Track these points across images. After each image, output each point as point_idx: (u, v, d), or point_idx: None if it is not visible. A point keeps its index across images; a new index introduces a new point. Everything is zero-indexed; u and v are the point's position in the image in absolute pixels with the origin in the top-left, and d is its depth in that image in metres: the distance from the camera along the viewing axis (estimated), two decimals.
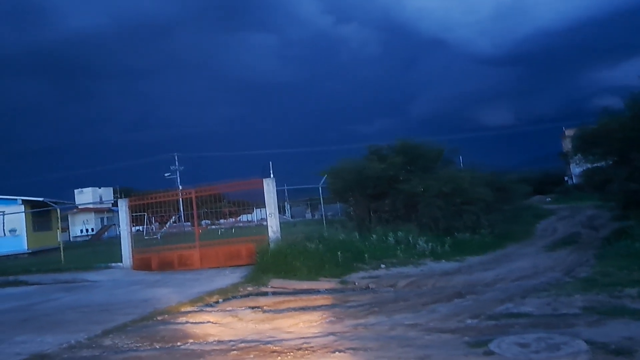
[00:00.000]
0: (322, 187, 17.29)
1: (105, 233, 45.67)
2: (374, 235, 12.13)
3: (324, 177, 16.23)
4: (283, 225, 13.98)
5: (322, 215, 18.65)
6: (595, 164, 14.36)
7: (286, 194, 33.97)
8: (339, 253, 10.66)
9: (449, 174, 13.60)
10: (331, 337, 5.42)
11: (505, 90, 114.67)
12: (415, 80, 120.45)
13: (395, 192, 13.55)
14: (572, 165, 40.56)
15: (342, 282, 9.46)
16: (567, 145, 40.62)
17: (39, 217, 28.06)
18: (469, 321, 5.75)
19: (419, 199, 13.17)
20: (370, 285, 9.04)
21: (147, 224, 36.35)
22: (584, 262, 9.83)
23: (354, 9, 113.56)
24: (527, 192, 19.45)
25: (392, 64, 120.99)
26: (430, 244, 11.75)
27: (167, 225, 34.19)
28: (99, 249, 23.92)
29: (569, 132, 39.95)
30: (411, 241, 11.81)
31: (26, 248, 26.10)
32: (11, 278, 13.90)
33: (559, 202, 33.35)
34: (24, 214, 26.36)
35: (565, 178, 45.17)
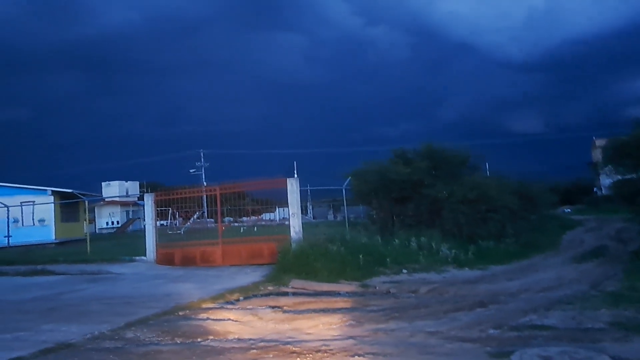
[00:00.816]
0: (345, 189, 17.24)
1: (130, 226, 46.47)
2: (397, 240, 12.03)
3: (348, 179, 16.18)
4: (305, 225, 13.99)
5: (344, 217, 18.60)
6: (626, 176, 13.96)
7: (309, 194, 34.02)
8: (360, 256, 10.61)
9: (475, 180, 13.41)
10: (351, 341, 5.40)
11: (534, 97, 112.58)
12: (443, 84, 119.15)
13: (419, 196, 13.42)
14: (601, 176, 39.69)
15: (363, 285, 9.41)
16: (597, 155, 39.78)
17: (67, 208, 28.71)
18: (491, 331, 5.66)
19: (443, 205, 13.02)
20: (392, 290, 8.97)
21: (171, 219, 36.88)
22: (611, 276, 9.58)
23: (384, 11, 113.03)
24: (554, 201, 19.08)
25: (420, 67, 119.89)
26: (453, 250, 11.60)
27: (190, 221, 34.60)
28: (124, 242, 24.35)
29: (599, 142, 39.01)
30: (434, 247, 11.69)
31: (54, 238, 26.70)
32: (39, 267, 14.24)
33: (586, 213, 32.61)
34: (53, 204, 26.98)
35: (594, 189, 44.15)
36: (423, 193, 13.29)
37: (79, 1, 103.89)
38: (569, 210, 34.25)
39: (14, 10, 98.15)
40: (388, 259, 10.95)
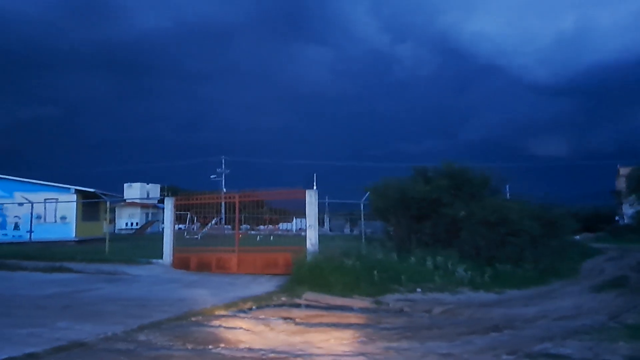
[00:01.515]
0: (364, 204, 17.19)
1: (149, 228, 46.98)
2: (413, 258, 11.93)
3: (367, 194, 16.14)
4: (321, 238, 13.98)
5: (361, 232, 18.53)
6: None
7: (327, 207, 34.00)
8: (375, 272, 10.55)
9: (496, 202, 13.24)
10: (362, 358, 5.36)
11: (560, 122, 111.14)
12: (467, 104, 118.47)
13: (438, 215, 13.30)
14: (624, 205, 38.85)
15: (377, 302, 9.34)
16: (621, 183, 39.06)
17: (89, 207, 29.18)
18: (505, 357, 5.56)
19: (461, 225, 12.88)
20: (405, 309, 8.89)
21: (189, 223, 37.19)
22: (631, 308, 9.32)
23: (412, 29, 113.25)
24: (575, 228, 18.71)
25: (446, 86, 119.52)
26: (469, 272, 11.44)
27: (208, 226, 34.86)
28: (141, 244, 24.58)
29: (623, 171, 38.33)
30: (450, 267, 11.54)
31: (74, 236, 27.14)
32: (57, 264, 14.49)
33: (607, 241, 31.89)
34: (75, 203, 27.47)
35: (616, 217, 43.25)
36: (442, 212, 13.16)
37: (115, 5, 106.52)
38: (590, 237, 33.57)
39: (51, 12, 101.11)
40: (403, 277, 10.85)
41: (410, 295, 10.13)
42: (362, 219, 18.18)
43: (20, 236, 25.98)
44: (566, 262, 14.60)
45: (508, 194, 16.49)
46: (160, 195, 51.98)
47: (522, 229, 12.49)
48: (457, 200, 13.31)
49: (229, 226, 28.89)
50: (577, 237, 24.58)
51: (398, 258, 11.99)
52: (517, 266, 12.43)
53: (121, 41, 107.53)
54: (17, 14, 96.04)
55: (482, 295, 10.62)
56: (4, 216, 27.28)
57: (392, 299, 9.67)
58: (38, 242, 23.51)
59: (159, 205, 47.32)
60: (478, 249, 12.59)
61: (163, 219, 16.76)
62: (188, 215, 35.83)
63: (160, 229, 28.42)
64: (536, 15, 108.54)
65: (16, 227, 27.01)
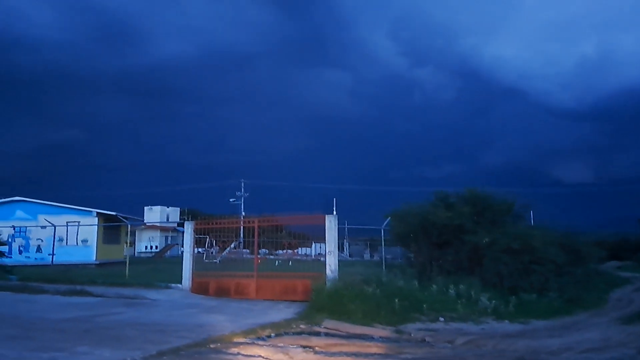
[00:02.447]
0: (384, 229, 17.04)
1: (168, 252, 47.20)
2: (434, 286, 11.71)
3: (387, 219, 15.99)
4: (341, 263, 13.83)
5: (381, 258, 18.32)
6: None
7: (346, 232, 33.81)
8: (396, 300, 10.36)
9: (519, 229, 12.99)
10: None
11: (584, 147, 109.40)
12: (488, 128, 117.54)
13: (460, 242, 13.09)
14: None
15: (398, 331, 9.15)
16: None
17: (110, 230, 29.52)
18: None
19: (484, 253, 12.64)
20: (427, 339, 8.68)
21: (208, 247, 37.27)
22: None
23: (431, 53, 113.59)
24: (602, 256, 18.21)
25: (466, 110, 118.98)
26: (493, 301, 11.17)
27: (226, 251, 34.86)
28: (161, 267, 24.69)
29: None
30: (473, 296, 11.29)
31: (94, 259, 27.40)
32: (78, 287, 14.58)
33: (636, 270, 30.96)
34: (96, 226, 27.80)
35: None
36: (464, 239, 12.95)
37: (140, 31, 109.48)
38: (617, 266, 32.63)
39: (77, 38, 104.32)
40: (424, 305, 10.64)
41: (432, 325, 9.90)
42: (383, 245, 18.00)
43: (42, 258, 26.31)
44: (592, 291, 14.18)
45: (532, 221, 16.17)
46: (180, 218, 52.34)
47: (546, 257, 12.21)
48: (479, 227, 13.10)
49: (247, 250, 28.87)
50: (604, 265, 23.93)
51: (419, 286, 11.79)
52: (541, 295, 12.11)
53: (144, 66, 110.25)
54: (44, 39, 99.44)
55: (507, 326, 10.33)
56: (27, 239, 27.70)
57: (413, 328, 9.47)
58: (60, 264, 23.73)
59: (178, 229, 47.64)
60: (501, 278, 12.31)
61: (182, 243, 16.82)
62: (207, 239, 35.92)
63: (180, 253, 28.50)
64: (557, 39, 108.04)
65: (39, 249, 27.40)
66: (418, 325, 9.80)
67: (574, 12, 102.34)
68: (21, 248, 27.69)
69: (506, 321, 10.56)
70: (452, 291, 11.44)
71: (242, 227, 19.28)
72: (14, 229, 26.41)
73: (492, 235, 12.72)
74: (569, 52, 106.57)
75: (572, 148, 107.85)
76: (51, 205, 28.31)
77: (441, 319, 10.28)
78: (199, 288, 14.42)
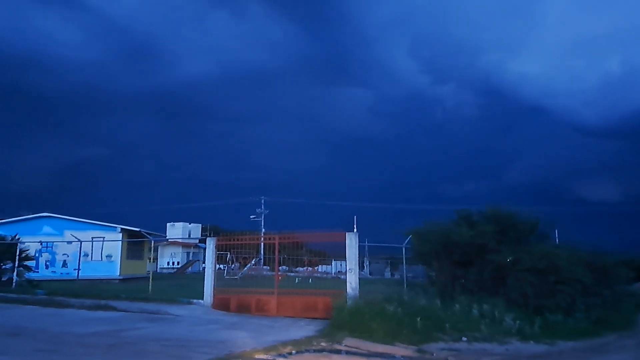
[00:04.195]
0: (405, 247, 16.93)
1: (190, 268, 47.56)
2: (457, 305, 11.55)
3: (408, 238, 15.88)
4: (361, 281, 13.77)
5: (402, 277, 18.16)
6: None
7: (366, 250, 33.65)
8: (418, 319, 10.25)
9: (544, 249, 12.73)
10: None
11: (610, 165, 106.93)
12: (511, 146, 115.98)
13: (482, 261, 12.90)
14: None
15: (420, 350, 9.05)
16: None
17: (133, 245, 29.97)
18: None
19: (508, 272, 12.43)
20: (450, 359, 8.56)
21: (229, 264, 37.48)
22: None
23: (453, 70, 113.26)
24: (630, 277, 17.73)
25: (488, 127, 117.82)
26: (517, 321, 10.95)
27: (247, 267, 34.98)
28: (183, 283, 24.88)
29: None
30: (497, 316, 11.09)
31: (118, 274, 27.78)
32: (103, 302, 14.82)
33: None
34: (120, 242, 28.23)
35: None
36: (487, 258, 12.77)
37: (163, 51, 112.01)
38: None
39: (102, 57, 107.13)
40: (447, 325, 10.49)
41: (455, 345, 9.76)
42: (404, 263, 17.86)
43: (68, 273, 26.80)
44: (621, 313, 13.80)
45: (557, 240, 15.88)
46: (202, 235, 52.81)
47: (572, 277, 11.96)
48: (502, 246, 12.91)
49: (268, 267, 28.92)
50: (633, 286, 23.29)
51: (441, 305, 11.64)
52: (568, 316, 11.84)
53: (168, 85, 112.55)
54: (72, 60, 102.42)
55: (532, 347, 10.12)
56: (53, 254, 28.28)
57: (435, 348, 9.35)
58: (85, 279, 24.15)
59: (200, 245, 48.03)
60: (526, 297, 12.09)
61: (204, 259, 16.94)
62: (228, 256, 36.13)
63: (201, 269, 28.67)
64: (582, 55, 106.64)
65: (64, 264, 27.92)
66: (441, 345, 9.67)
67: (598, 29, 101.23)
68: (48, 263, 28.28)
69: (531, 342, 10.35)
70: (475, 311, 11.27)
71: (262, 243, 19.39)
72: (41, 244, 26.96)
73: (516, 254, 12.52)
74: (593, 68, 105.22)
75: (598, 166, 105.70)
76: (77, 221, 28.91)
77: (464, 338, 10.13)
78: (221, 304, 14.49)
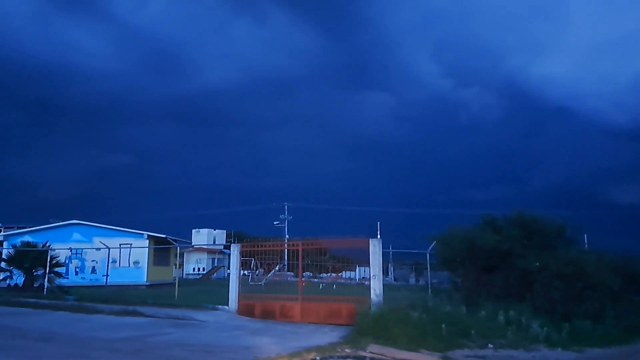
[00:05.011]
0: (429, 253, 16.81)
1: (215, 274, 47.97)
2: (483, 311, 11.41)
3: (433, 243, 15.76)
4: (385, 288, 13.73)
5: (427, 283, 18.02)
6: None
7: (391, 256, 33.45)
8: (443, 326, 10.16)
9: (571, 254, 12.49)
10: None
11: None
12: (538, 149, 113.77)
13: (508, 267, 12.72)
14: None
15: (445, 357, 8.96)
16: None
17: (159, 252, 30.42)
18: None
19: (534, 278, 12.22)
20: None
21: (253, 270, 37.70)
22: None
23: (476, 73, 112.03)
24: None
25: (514, 130, 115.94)
26: (545, 328, 10.76)
27: (271, 273, 35.11)
28: (208, 289, 25.14)
29: None
30: (523, 323, 10.91)
31: (145, 280, 28.23)
32: (130, 308, 15.09)
33: None
34: (147, 248, 28.68)
35: None
36: (513, 264, 12.59)
37: (186, 60, 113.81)
38: None
39: (129, 68, 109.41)
40: (473, 331, 10.37)
41: (481, 352, 9.64)
42: (429, 269, 17.73)
43: (96, 279, 27.37)
44: None
45: (585, 245, 15.54)
46: (226, 241, 53.29)
47: (601, 282, 11.70)
48: (529, 252, 12.70)
49: (291, 273, 28.99)
50: None
51: (467, 311, 11.51)
52: (597, 322, 11.57)
53: (191, 93, 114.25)
54: (98, 70, 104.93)
55: (560, 354, 9.93)
56: (83, 260, 28.91)
57: (461, 355, 9.25)
58: (113, 285, 24.60)
59: (225, 251, 48.45)
60: (553, 304, 11.87)
61: (228, 265, 17.11)
62: (253, 262, 36.35)
63: (226, 275, 28.92)
64: (609, 57, 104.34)
65: (93, 270, 28.52)
66: (466, 351, 9.57)
67: (625, 29, 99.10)
68: (77, 269, 28.94)
69: (559, 349, 10.15)
70: (501, 317, 11.11)
71: (286, 249, 19.47)
72: (71, 250, 27.61)
73: (542, 259, 12.31)
74: (622, 69, 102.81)
75: (628, 168, 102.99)
76: (105, 228, 29.51)
77: (490, 345, 10.00)
78: (245, 310, 14.61)
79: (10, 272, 22.91)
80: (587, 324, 11.38)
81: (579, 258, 12.09)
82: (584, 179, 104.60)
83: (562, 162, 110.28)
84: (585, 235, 15.67)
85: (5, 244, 28.31)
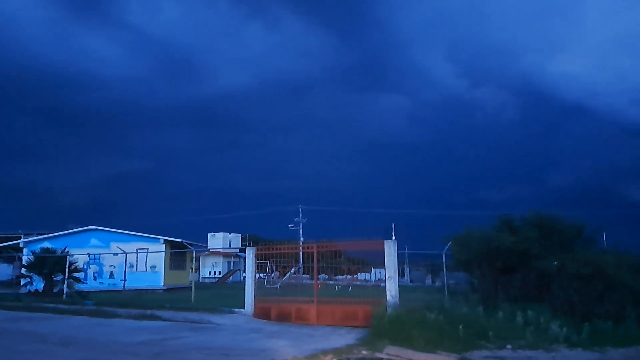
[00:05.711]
0: (445, 254, 16.69)
1: (230, 277, 48.19)
2: (500, 313, 11.29)
3: (448, 244, 15.65)
4: (401, 289, 13.67)
5: (443, 284, 17.89)
6: None
7: (406, 258, 33.31)
8: (460, 327, 10.07)
9: (590, 254, 12.31)
10: None
11: None
12: (555, 148, 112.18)
13: (526, 268, 12.58)
14: None
15: (463, 358, 8.89)
16: None
17: (176, 256, 30.67)
18: None
19: (553, 279, 12.08)
20: None
21: (268, 273, 37.81)
22: None
23: (491, 73, 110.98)
24: None
25: (530, 129, 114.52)
26: (564, 329, 10.62)
27: (287, 276, 35.16)
28: (224, 293, 25.25)
29: None
30: (542, 323, 10.78)
31: (162, 284, 28.47)
32: (148, 312, 15.23)
33: None
34: (164, 252, 28.93)
35: None
36: (530, 264, 12.45)
37: (200, 65, 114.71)
38: None
39: (143, 74, 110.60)
40: (490, 333, 10.27)
41: (500, 353, 9.55)
42: (445, 270, 17.60)
43: (114, 284, 27.66)
44: None
45: (605, 245, 15.31)
46: (241, 244, 53.52)
47: (621, 282, 11.51)
48: (546, 252, 12.56)
49: (307, 275, 28.98)
50: None
51: (484, 312, 11.41)
52: (617, 323, 11.38)
53: (205, 98, 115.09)
54: (114, 76, 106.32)
55: (580, 354, 9.78)
56: (101, 265, 29.25)
57: (479, 356, 9.17)
58: (130, 289, 24.83)
59: (240, 255, 48.64)
60: (572, 305, 11.71)
61: (244, 268, 17.18)
62: (268, 265, 36.46)
63: (242, 278, 29.06)
64: (627, 53, 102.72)
65: (111, 275, 28.83)
66: (484, 353, 9.49)
67: None
68: (95, 274, 29.29)
69: (579, 349, 10.00)
70: (519, 318, 10.99)
71: (301, 252, 19.49)
72: (89, 256, 27.94)
73: (560, 260, 12.16)
74: (639, 66, 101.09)
75: None
76: (122, 233, 29.84)
77: (508, 346, 9.89)
78: (261, 313, 14.65)
79: (31, 277, 23.25)
80: (607, 325, 11.20)
81: (599, 258, 11.90)
82: (602, 178, 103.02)
83: (580, 161, 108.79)
84: (605, 235, 15.43)
85: (25, 251, 28.76)
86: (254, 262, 15.88)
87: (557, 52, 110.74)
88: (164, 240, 29.53)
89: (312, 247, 15.18)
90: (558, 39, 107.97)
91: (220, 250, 51.35)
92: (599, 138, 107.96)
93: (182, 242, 27.42)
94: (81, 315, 15.22)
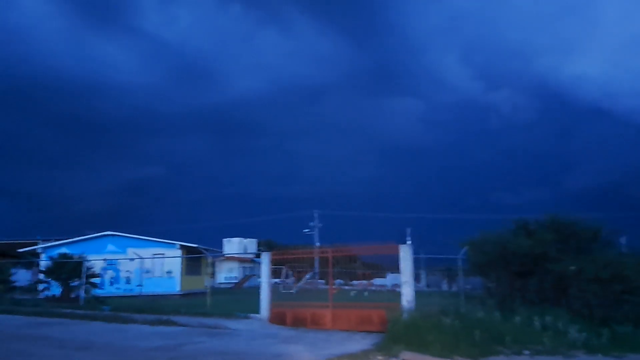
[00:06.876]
0: (461, 259, 16.56)
1: (246, 282, 48.31)
2: (517, 317, 11.17)
3: (464, 249, 15.54)
4: (417, 294, 13.58)
5: (460, 288, 17.76)
6: None
7: (422, 262, 33.11)
8: (476, 332, 9.99)
9: (608, 257, 12.13)
10: None
11: None
12: (572, 150, 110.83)
13: (543, 271, 12.44)
14: None
15: None
16: None
17: (192, 261, 30.82)
18: None
19: (570, 282, 11.92)
20: None
21: (284, 278, 37.88)
22: None
23: (507, 75, 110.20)
24: None
25: (546, 132, 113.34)
26: (583, 333, 10.46)
27: (302, 281, 35.20)
28: (240, 298, 25.33)
29: None
30: (560, 328, 10.64)
31: (178, 289, 28.61)
32: (164, 317, 15.32)
33: None
34: (180, 258, 29.12)
35: None
36: (547, 268, 12.31)
37: (214, 71, 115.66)
38: None
39: (157, 81, 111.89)
40: (507, 338, 10.16)
41: (517, 358, 9.44)
42: (461, 275, 17.47)
43: (131, 290, 27.89)
44: None
45: (624, 247, 15.06)
46: (257, 249, 53.62)
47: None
48: (563, 255, 12.40)
49: (322, 280, 29.00)
50: None
51: (501, 317, 11.29)
52: (637, 327, 11.18)
53: (219, 104, 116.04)
54: (128, 84, 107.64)
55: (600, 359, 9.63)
56: (117, 271, 29.50)
57: None
58: (147, 295, 25.04)
59: (256, 260, 48.77)
60: (591, 308, 11.54)
61: (259, 273, 17.22)
62: (283, 270, 36.53)
63: (257, 283, 29.16)
64: None
65: (128, 281, 29.07)
66: (501, 358, 9.39)
67: None
68: (112, 280, 29.52)
69: (599, 355, 9.85)
70: (537, 323, 10.85)
71: (316, 257, 19.49)
72: (106, 261, 28.24)
73: (578, 263, 11.99)
74: None
75: None
76: (138, 238, 30.08)
77: (526, 352, 9.78)
78: (277, 318, 14.67)
79: (48, 283, 23.58)
80: (628, 329, 11.01)
81: (617, 261, 11.73)
82: (619, 180, 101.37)
83: (597, 163, 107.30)
84: (624, 238, 15.18)
85: (43, 256, 29.16)
86: (269, 267, 15.92)
87: (573, 54, 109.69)
88: (180, 245, 29.70)
89: (327, 252, 15.16)
90: (573, 40, 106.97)
91: (236, 255, 51.51)
92: (616, 139, 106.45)
93: (197, 247, 27.53)
94: (98, 320, 15.39)
